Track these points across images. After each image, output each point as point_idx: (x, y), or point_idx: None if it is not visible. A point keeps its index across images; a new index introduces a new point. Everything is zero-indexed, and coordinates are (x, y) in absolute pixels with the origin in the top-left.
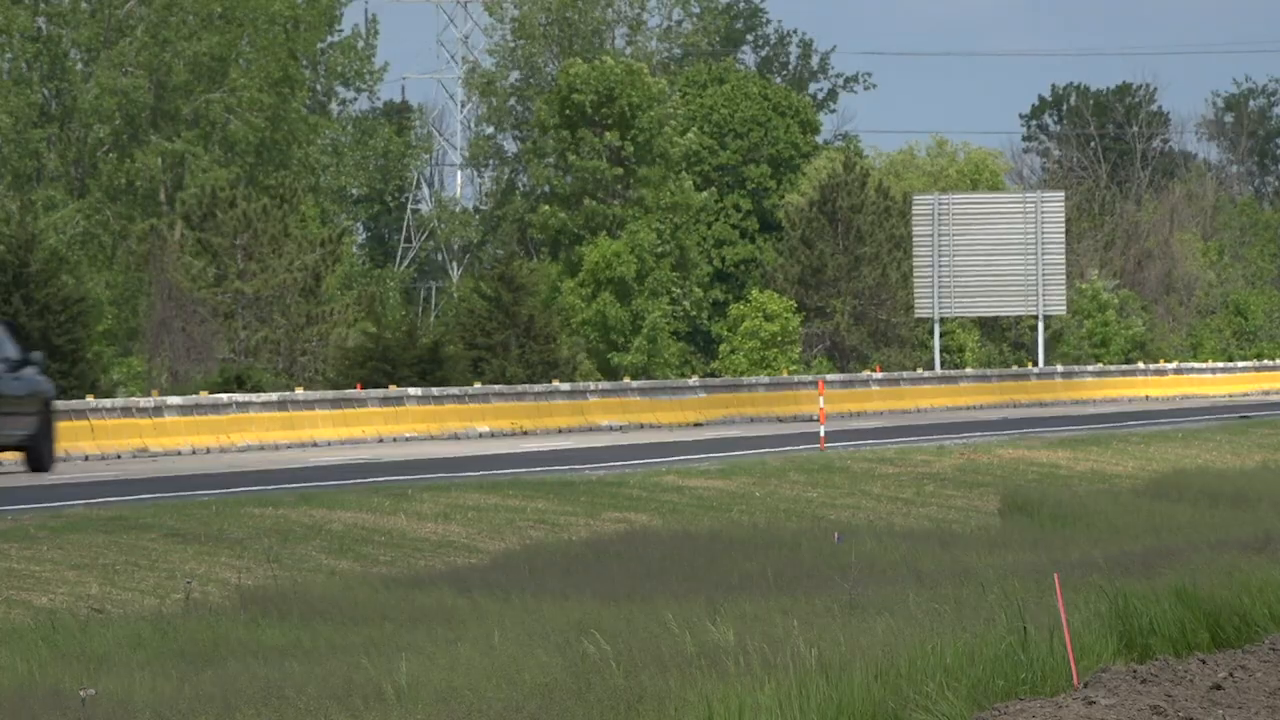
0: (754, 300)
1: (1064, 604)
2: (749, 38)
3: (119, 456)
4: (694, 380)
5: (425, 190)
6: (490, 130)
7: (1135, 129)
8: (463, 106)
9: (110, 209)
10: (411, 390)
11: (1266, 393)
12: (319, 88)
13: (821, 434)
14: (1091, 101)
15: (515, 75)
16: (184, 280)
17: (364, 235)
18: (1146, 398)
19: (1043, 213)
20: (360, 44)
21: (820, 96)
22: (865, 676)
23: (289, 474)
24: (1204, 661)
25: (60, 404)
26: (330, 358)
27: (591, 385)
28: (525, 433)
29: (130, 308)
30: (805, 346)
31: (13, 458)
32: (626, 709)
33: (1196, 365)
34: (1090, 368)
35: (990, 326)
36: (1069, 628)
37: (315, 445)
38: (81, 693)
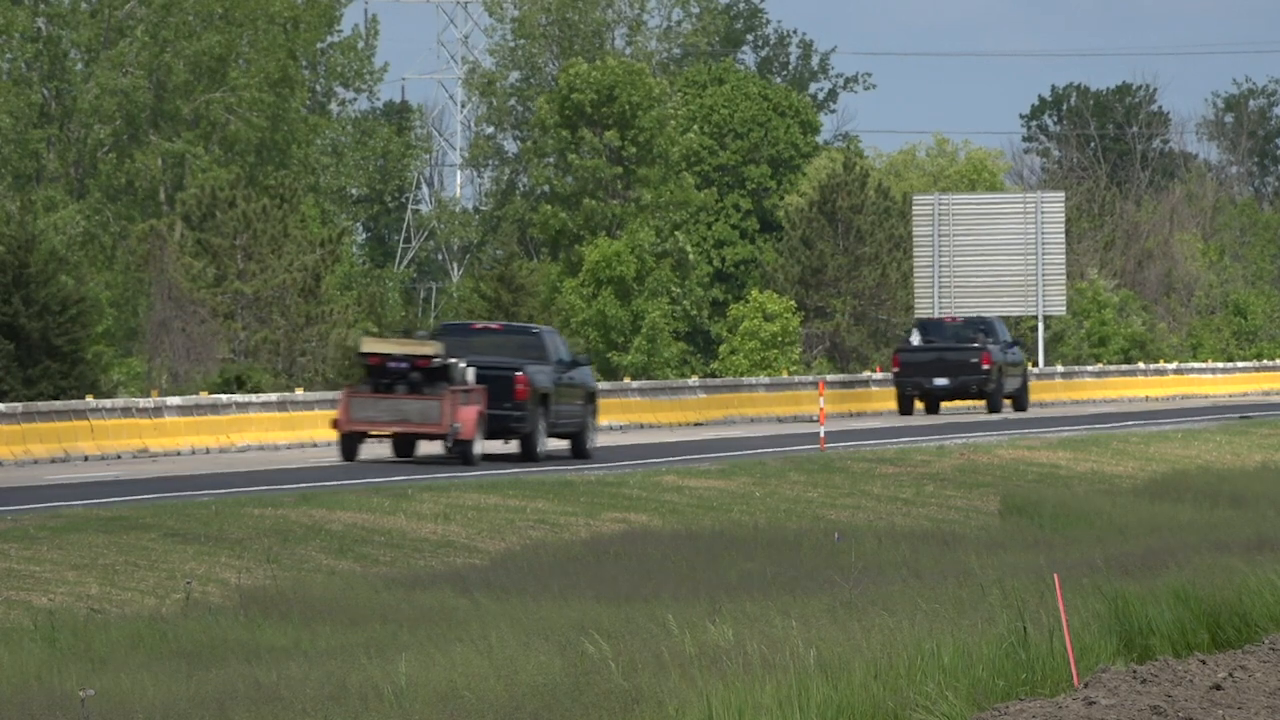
0: (753, 300)
1: (1064, 604)
2: (749, 38)
3: (119, 457)
4: (694, 380)
5: (425, 190)
6: (490, 130)
7: (1135, 129)
8: (463, 107)
9: (110, 209)
10: None
11: (1266, 393)
12: (319, 88)
13: (821, 434)
14: (1091, 102)
15: (515, 75)
16: (184, 280)
17: (364, 235)
18: (1146, 398)
19: (1043, 213)
20: (360, 44)
21: (820, 97)
22: (865, 676)
23: (289, 474)
24: (1204, 662)
25: (59, 404)
26: (330, 358)
27: None
28: None
29: (130, 308)
30: (805, 347)
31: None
32: (625, 709)
33: (1196, 365)
34: (1090, 368)
35: None
36: (1069, 628)
37: (315, 445)
38: (81, 693)
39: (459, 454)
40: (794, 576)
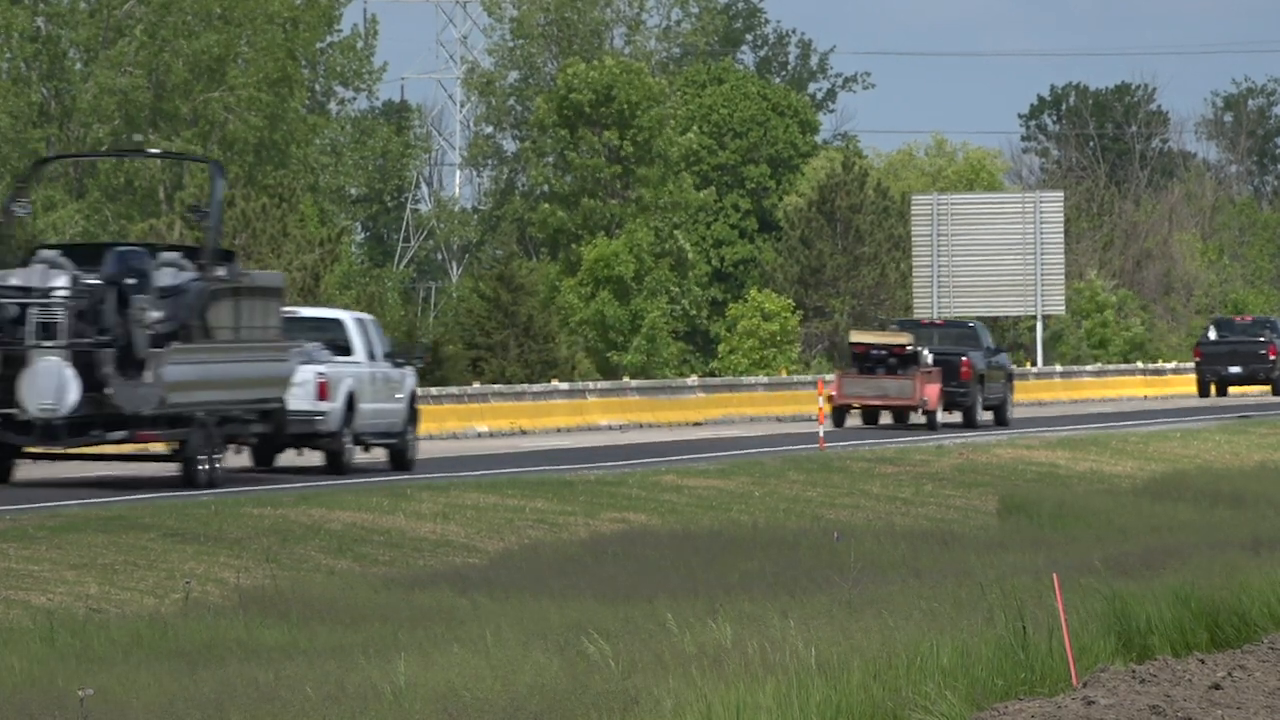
0: (752, 300)
1: (1063, 604)
2: (748, 38)
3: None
4: (693, 380)
5: (424, 190)
6: (489, 130)
7: (1134, 129)
8: (462, 106)
9: (109, 209)
10: None
11: (1264, 392)
12: (318, 88)
13: (821, 434)
14: (1091, 101)
15: (514, 75)
16: None
17: (363, 235)
18: (1145, 397)
19: (1042, 213)
20: (359, 44)
21: (819, 96)
22: (864, 676)
23: (288, 474)
24: (1203, 661)
25: None
26: None
27: (590, 385)
28: (524, 432)
29: None
30: (804, 346)
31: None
32: (625, 709)
33: None
34: (1089, 367)
35: (989, 327)
36: (1068, 627)
37: None
38: (80, 693)
39: (927, 422)
40: (793, 576)
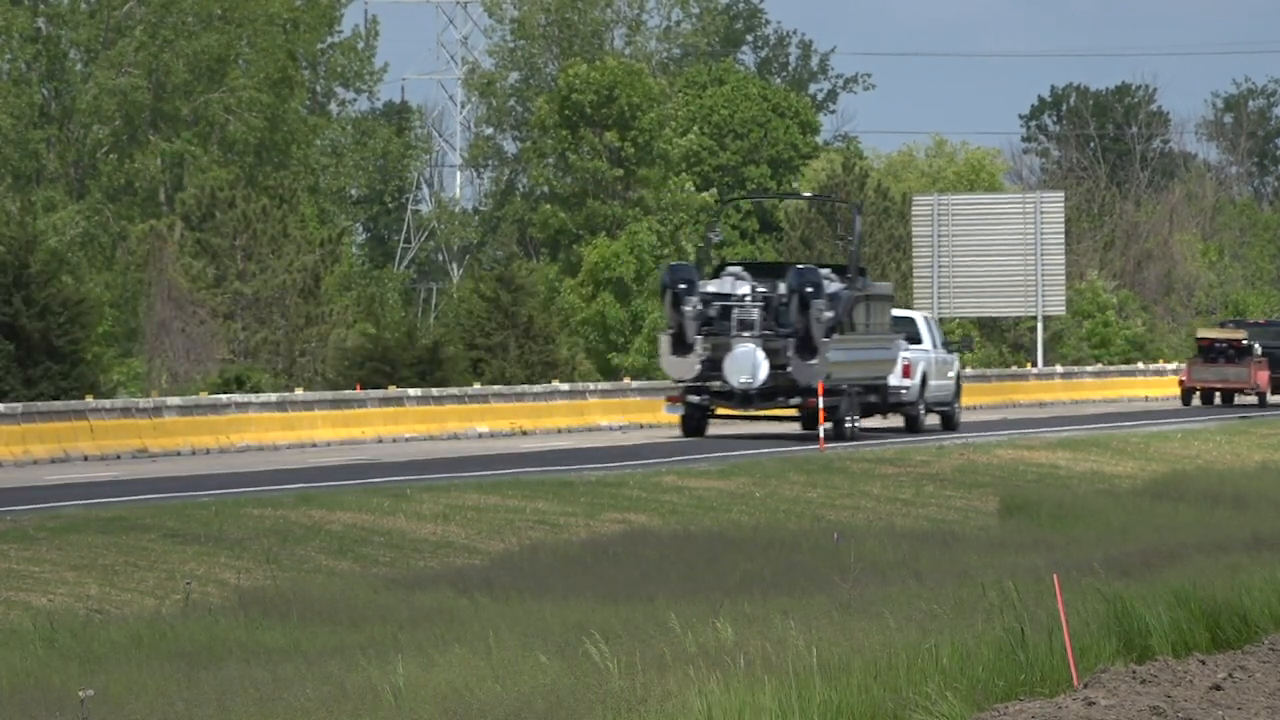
0: None
1: (1063, 604)
2: (748, 38)
3: (118, 457)
4: None
5: (425, 191)
6: (490, 131)
7: (1135, 129)
8: (462, 107)
9: (110, 209)
10: (411, 391)
11: None
12: (319, 88)
13: (821, 434)
14: (1091, 102)
15: (515, 76)
16: (184, 281)
17: (363, 236)
18: (1146, 398)
19: (1042, 213)
20: (360, 45)
21: (820, 97)
22: (864, 677)
23: (288, 474)
24: (1203, 662)
25: (59, 405)
26: (329, 358)
27: (591, 385)
28: (525, 433)
29: (130, 309)
30: None
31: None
32: (628, 710)
33: None
34: (1090, 368)
35: (990, 327)
36: (1068, 628)
37: (314, 446)
38: (81, 693)
39: (1257, 401)
40: (793, 577)
